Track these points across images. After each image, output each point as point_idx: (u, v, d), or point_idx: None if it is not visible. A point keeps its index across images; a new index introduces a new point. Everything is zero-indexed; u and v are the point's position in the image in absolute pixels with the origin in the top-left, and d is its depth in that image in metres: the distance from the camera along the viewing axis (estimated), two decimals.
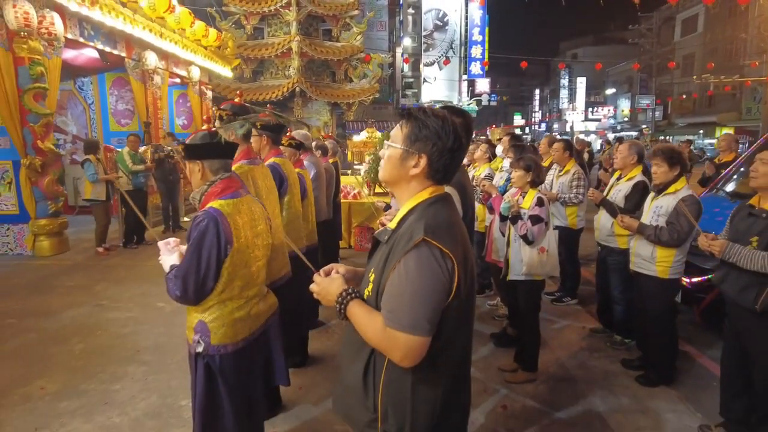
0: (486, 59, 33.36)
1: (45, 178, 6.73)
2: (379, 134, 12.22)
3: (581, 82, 46.90)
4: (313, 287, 1.47)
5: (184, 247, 2.14)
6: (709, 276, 3.80)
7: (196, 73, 11.76)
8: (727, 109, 25.40)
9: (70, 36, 7.16)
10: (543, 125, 58.45)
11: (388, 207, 4.35)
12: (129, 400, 3.13)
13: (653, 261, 3.20)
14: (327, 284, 1.43)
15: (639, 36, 33.05)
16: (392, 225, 1.38)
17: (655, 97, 31.85)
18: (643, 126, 33.53)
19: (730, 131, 25.52)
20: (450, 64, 31.22)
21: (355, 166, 11.75)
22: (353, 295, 1.37)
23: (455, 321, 1.31)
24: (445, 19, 31.35)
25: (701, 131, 27.30)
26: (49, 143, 6.80)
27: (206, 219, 1.86)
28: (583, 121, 47.70)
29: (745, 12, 22.29)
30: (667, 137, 27.65)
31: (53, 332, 4.21)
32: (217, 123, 2.68)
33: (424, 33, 30.40)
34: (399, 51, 28.15)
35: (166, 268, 2.04)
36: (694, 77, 23.49)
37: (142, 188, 7.72)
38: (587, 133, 41.56)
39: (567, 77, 50.01)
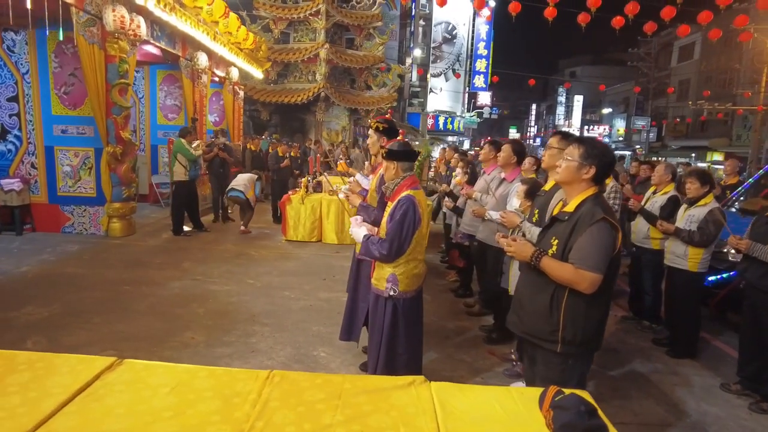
0: (490, 73, 34.59)
1: (123, 165, 7.42)
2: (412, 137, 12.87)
3: (578, 100, 48.30)
4: (508, 249, 2.29)
5: (366, 224, 2.96)
6: (724, 275, 4.70)
7: (235, 74, 12.54)
8: (719, 134, 26.73)
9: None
10: (538, 140, 59.80)
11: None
12: (269, 349, 3.89)
13: (685, 257, 4.06)
14: (521, 246, 2.25)
15: (638, 59, 34.42)
16: (570, 209, 2.20)
17: (650, 118, 33.19)
18: (637, 146, 34.86)
19: (720, 156, 26.86)
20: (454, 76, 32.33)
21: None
22: (544, 252, 2.19)
23: (614, 270, 2.13)
24: (454, 32, 32.42)
25: (693, 154, 28.61)
26: (127, 133, 7.51)
27: (408, 203, 2.67)
28: None
29: (739, 44, 23.56)
30: (660, 158, 28.93)
31: (169, 298, 4.94)
32: (370, 131, 3.50)
33: (433, 45, 31.39)
34: (409, 61, 29.11)
35: (359, 238, 2.85)
36: (690, 102, 24.77)
37: (195, 179, 8.37)
38: None
39: (564, 94, 51.41)
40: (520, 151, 4.16)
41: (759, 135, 21.43)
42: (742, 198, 5.89)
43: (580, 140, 2.26)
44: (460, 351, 4.05)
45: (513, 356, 3.89)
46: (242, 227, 8.33)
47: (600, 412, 1.72)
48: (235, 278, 5.70)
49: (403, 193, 2.73)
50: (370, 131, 3.50)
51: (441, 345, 4.14)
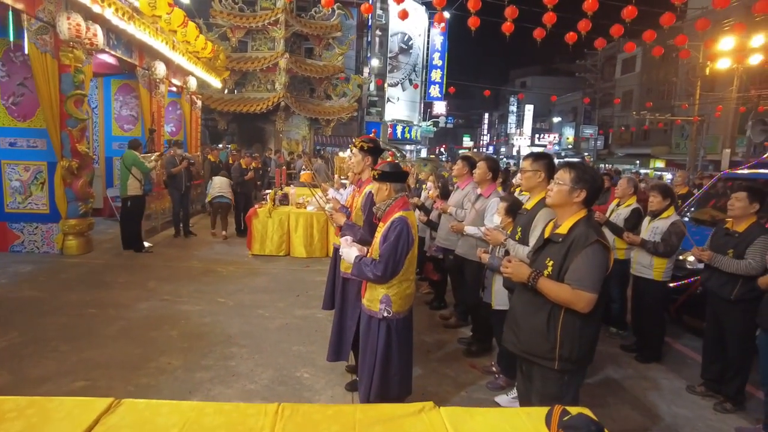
0: (445, 83, 35.37)
1: (79, 180, 7.07)
2: (399, 156, 12.92)
3: (529, 109, 50.00)
4: (505, 270, 2.36)
5: (356, 244, 2.96)
6: (682, 282, 5.00)
7: (193, 83, 12.24)
8: (660, 143, 28.42)
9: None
10: (491, 148, 61.38)
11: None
12: (250, 372, 3.80)
13: (651, 267, 4.30)
14: (518, 268, 2.32)
15: (584, 70, 36.17)
16: (563, 231, 2.29)
17: (597, 127, 34.87)
18: (586, 154, 36.47)
19: (662, 163, 28.56)
20: (411, 86, 32.84)
21: (342, 181, 12.48)
22: (540, 274, 2.27)
23: (605, 288, 2.24)
24: (410, 43, 32.89)
25: (637, 161, 30.28)
26: (83, 146, 7.16)
27: (401, 224, 2.70)
28: (529, 146, 50.72)
29: (675, 59, 25.18)
30: (608, 165, 30.41)
31: (140, 321, 4.73)
32: (354, 150, 3.51)
33: (389, 55, 31.72)
34: (366, 70, 29.30)
35: (351, 259, 2.85)
36: (634, 112, 26.21)
37: (148, 193, 8.01)
38: None
39: (515, 103, 53.11)
40: (494, 168, 4.28)
41: (695, 144, 22.92)
42: (692, 208, 6.28)
43: (571, 165, 2.37)
44: (442, 365, 4.11)
45: (494, 369, 3.98)
46: (223, 233, 9.01)
47: (606, 429, 1.80)
48: (206, 297, 5.53)
49: (396, 214, 2.76)
50: (355, 150, 3.51)
51: (424, 360, 4.18)
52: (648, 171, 26.41)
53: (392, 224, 2.72)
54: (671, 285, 4.96)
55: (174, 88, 11.82)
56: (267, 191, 9.66)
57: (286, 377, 3.74)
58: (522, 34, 11.58)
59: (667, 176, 22.50)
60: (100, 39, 7.11)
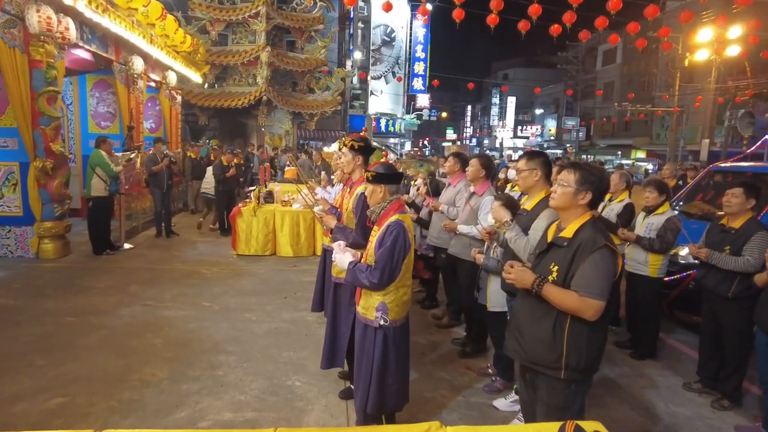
0: (428, 75, 35.28)
1: (54, 180, 6.78)
2: (393, 156, 12.76)
3: (511, 102, 50.28)
4: (507, 276, 2.25)
5: (350, 249, 2.84)
6: (675, 276, 4.98)
7: (173, 78, 11.89)
8: (641, 134, 28.77)
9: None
10: (474, 140, 61.59)
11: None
12: (239, 382, 3.65)
13: (646, 264, 4.25)
14: (521, 273, 2.22)
15: (566, 62, 36.38)
16: (568, 235, 2.19)
17: (579, 119, 35.16)
18: (568, 145, 36.80)
19: (643, 153, 28.93)
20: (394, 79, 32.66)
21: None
22: (545, 280, 2.17)
23: (613, 294, 2.15)
24: (393, 35, 32.68)
25: (619, 152, 30.63)
26: (57, 146, 6.86)
27: (398, 228, 2.57)
28: (512, 138, 51.08)
29: (655, 50, 25.43)
30: (589, 156, 30.70)
31: (121, 329, 4.53)
32: (344, 150, 3.37)
33: (372, 47, 31.48)
34: (349, 63, 29.01)
35: (344, 265, 2.73)
36: (616, 104, 26.45)
37: (115, 194, 7.54)
38: (516, 149, 44.68)
39: (498, 96, 53.26)
40: (488, 165, 4.18)
41: (675, 134, 23.25)
42: (681, 202, 6.27)
43: (576, 166, 2.26)
44: (437, 368, 4.01)
45: (490, 371, 3.90)
46: (211, 225, 9.49)
47: None
48: (190, 301, 5.34)
49: (392, 218, 2.63)
50: (345, 149, 3.37)
51: (418, 363, 4.07)
52: (630, 162, 26.71)
53: (388, 228, 2.60)
54: (664, 279, 4.95)
55: (153, 84, 11.47)
56: (251, 188, 9.46)
57: (277, 386, 3.60)
58: (504, 27, 11.47)
59: (649, 167, 22.79)
60: (72, 33, 6.79)
